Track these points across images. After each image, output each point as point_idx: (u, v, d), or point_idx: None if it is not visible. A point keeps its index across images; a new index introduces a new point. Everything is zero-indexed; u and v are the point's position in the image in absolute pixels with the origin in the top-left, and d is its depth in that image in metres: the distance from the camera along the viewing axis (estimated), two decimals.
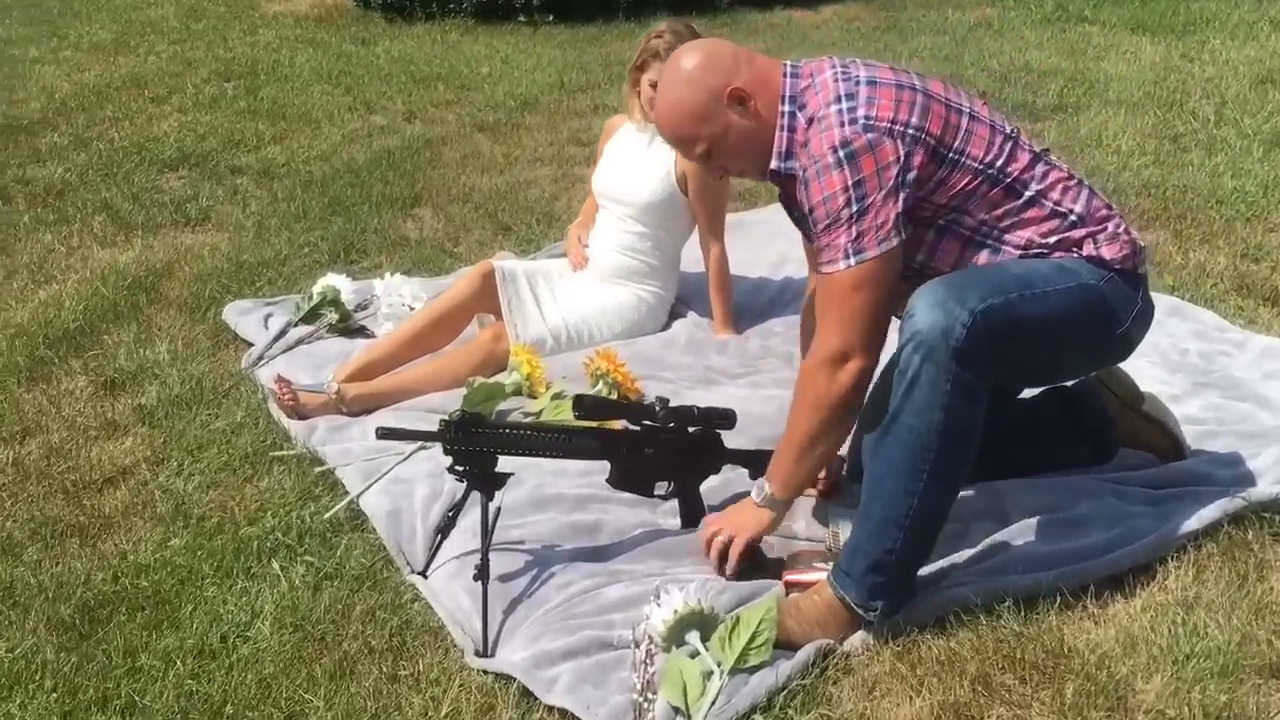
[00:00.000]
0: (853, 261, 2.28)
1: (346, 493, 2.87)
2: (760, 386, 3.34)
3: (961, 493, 2.65)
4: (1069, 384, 2.91)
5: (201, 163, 5.64)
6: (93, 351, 3.66)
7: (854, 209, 2.25)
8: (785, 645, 2.31)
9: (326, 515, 2.77)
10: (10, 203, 5.13)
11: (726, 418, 2.70)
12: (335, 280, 3.85)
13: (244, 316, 3.83)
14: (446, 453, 2.43)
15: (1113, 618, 2.37)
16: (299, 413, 3.21)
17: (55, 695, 2.23)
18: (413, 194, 5.12)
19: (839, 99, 2.31)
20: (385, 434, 2.43)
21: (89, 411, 3.30)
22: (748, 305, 3.92)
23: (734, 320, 3.77)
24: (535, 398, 3.26)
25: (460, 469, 2.44)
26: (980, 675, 2.22)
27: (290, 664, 2.30)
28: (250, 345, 3.68)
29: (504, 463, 2.50)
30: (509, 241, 4.52)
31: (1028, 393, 2.92)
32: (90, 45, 8.49)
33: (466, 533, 2.62)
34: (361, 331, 3.77)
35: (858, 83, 2.34)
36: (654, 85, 3.50)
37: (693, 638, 2.28)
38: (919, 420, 2.24)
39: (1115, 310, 2.44)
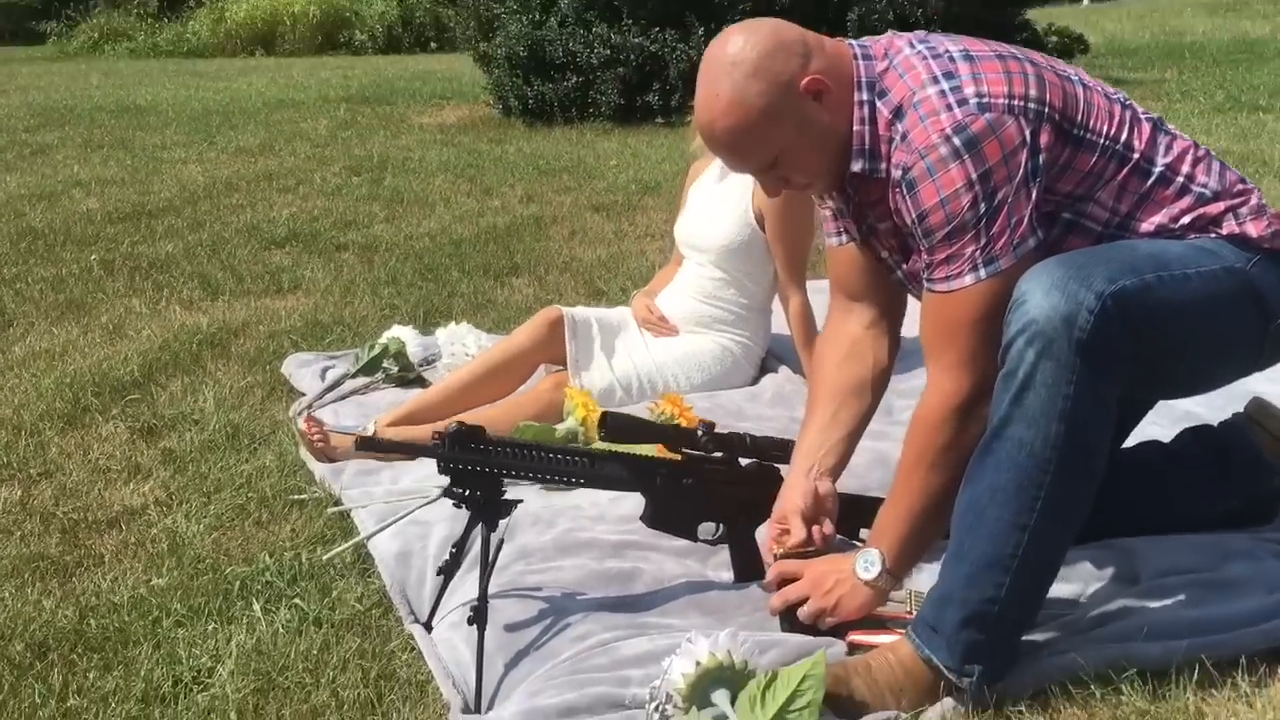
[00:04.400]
0: (983, 274, 1.84)
1: (357, 534, 2.52)
2: None
3: (1077, 549, 2.16)
4: (1213, 424, 2.39)
5: (309, 240, 5.51)
6: (136, 395, 3.44)
7: (983, 208, 1.81)
8: (844, 713, 1.84)
9: (326, 556, 2.42)
10: (112, 274, 5.05)
11: (785, 449, 2.27)
12: (401, 332, 3.57)
13: (302, 369, 3.57)
14: (442, 471, 2.06)
15: (1273, 701, 1.83)
16: (328, 455, 2.89)
17: None
18: (511, 264, 4.87)
19: (935, 79, 1.87)
20: (365, 444, 2.07)
21: (116, 455, 3.05)
22: None
23: None
24: (590, 445, 2.88)
25: (459, 491, 2.07)
26: None
27: (243, 714, 1.93)
28: (303, 395, 3.42)
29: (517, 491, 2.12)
30: (600, 304, 4.20)
31: (1158, 430, 2.42)
32: (236, 149, 8.63)
33: (472, 587, 2.24)
34: (420, 384, 3.46)
35: (951, 58, 1.89)
36: None
37: (720, 698, 1.82)
38: (1032, 433, 1.77)
39: (1266, 299, 1.95)
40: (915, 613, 2.13)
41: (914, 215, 1.89)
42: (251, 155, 8.33)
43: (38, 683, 2.03)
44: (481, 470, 2.05)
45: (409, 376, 3.46)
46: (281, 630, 2.17)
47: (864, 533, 2.32)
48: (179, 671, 2.05)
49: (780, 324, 3.43)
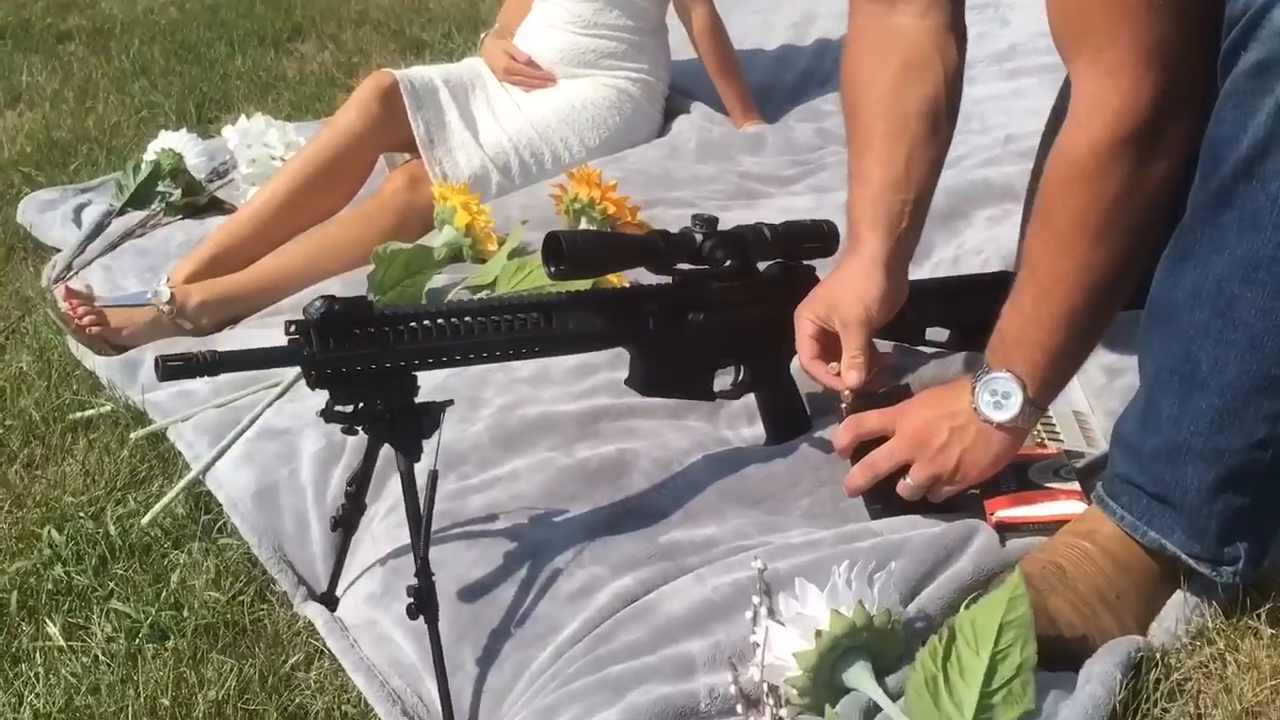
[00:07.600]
0: None
1: (188, 468, 1.69)
2: (831, 190, 2.14)
3: None
4: None
5: (20, 36, 4.31)
6: None
7: None
8: (1059, 661, 1.16)
9: (145, 520, 1.58)
10: None
11: (821, 238, 1.50)
12: (173, 140, 2.62)
13: (46, 214, 2.60)
14: (312, 384, 1.24)
15: None
16: (110, 340, 2.02)
17: None
18: (290, 25, 3.87)
19: None
20: (170, 372, 1.22)
21: None
22: (774, 85, 2.72)
23: (757, 105, 2.57)
24: (485, 261, 2.07)
25: (345, 411, 1.25)
26: None
27: None
28: (57, 252, 2.47)
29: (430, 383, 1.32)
30: (424, 61, 3.28)
31: None
32: None
33: (391, 515, 1.46)
34: (219, 208, 2.55)
35: None
36: None
37: (858, 676, 1.12)
38: None
39: None
40: (1047, 443, 1.47)
41: None
42: None
43: None
44: (380, 369, 1.23)
45: (199, 202, 2.54)
46: (104, 661, 1.37)
47: (930, 333, 1.63)
48: None
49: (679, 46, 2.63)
